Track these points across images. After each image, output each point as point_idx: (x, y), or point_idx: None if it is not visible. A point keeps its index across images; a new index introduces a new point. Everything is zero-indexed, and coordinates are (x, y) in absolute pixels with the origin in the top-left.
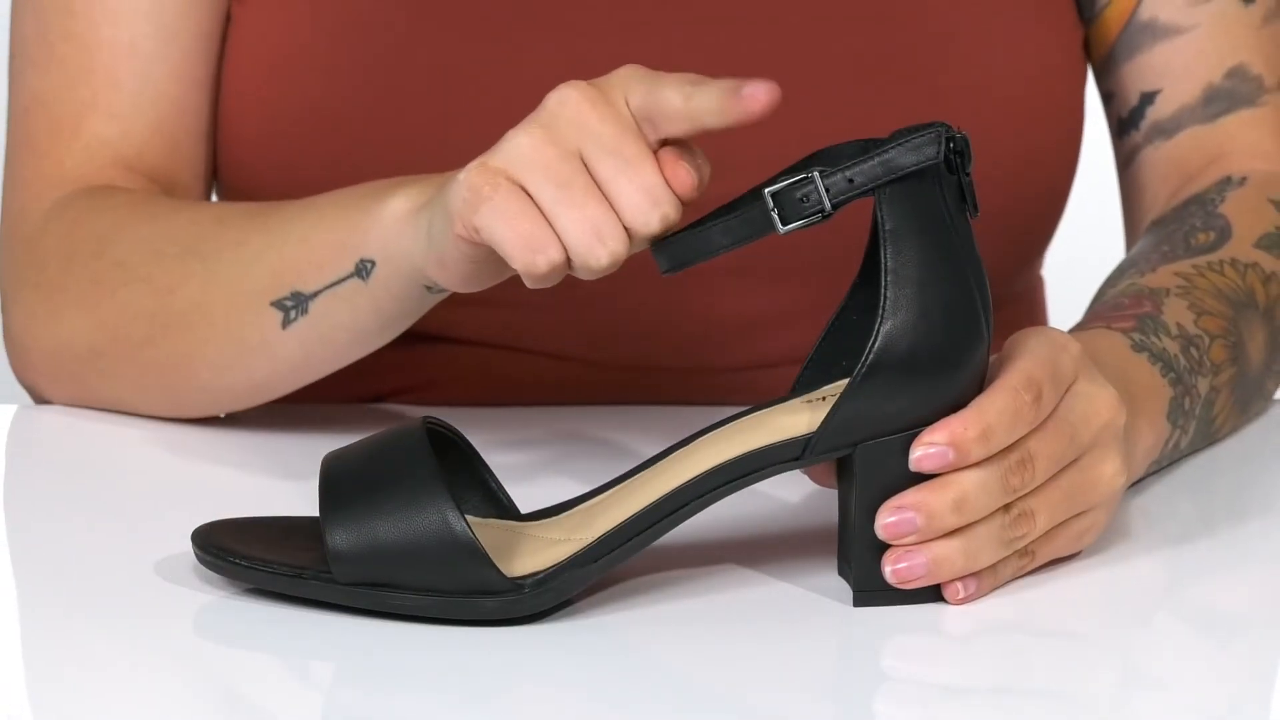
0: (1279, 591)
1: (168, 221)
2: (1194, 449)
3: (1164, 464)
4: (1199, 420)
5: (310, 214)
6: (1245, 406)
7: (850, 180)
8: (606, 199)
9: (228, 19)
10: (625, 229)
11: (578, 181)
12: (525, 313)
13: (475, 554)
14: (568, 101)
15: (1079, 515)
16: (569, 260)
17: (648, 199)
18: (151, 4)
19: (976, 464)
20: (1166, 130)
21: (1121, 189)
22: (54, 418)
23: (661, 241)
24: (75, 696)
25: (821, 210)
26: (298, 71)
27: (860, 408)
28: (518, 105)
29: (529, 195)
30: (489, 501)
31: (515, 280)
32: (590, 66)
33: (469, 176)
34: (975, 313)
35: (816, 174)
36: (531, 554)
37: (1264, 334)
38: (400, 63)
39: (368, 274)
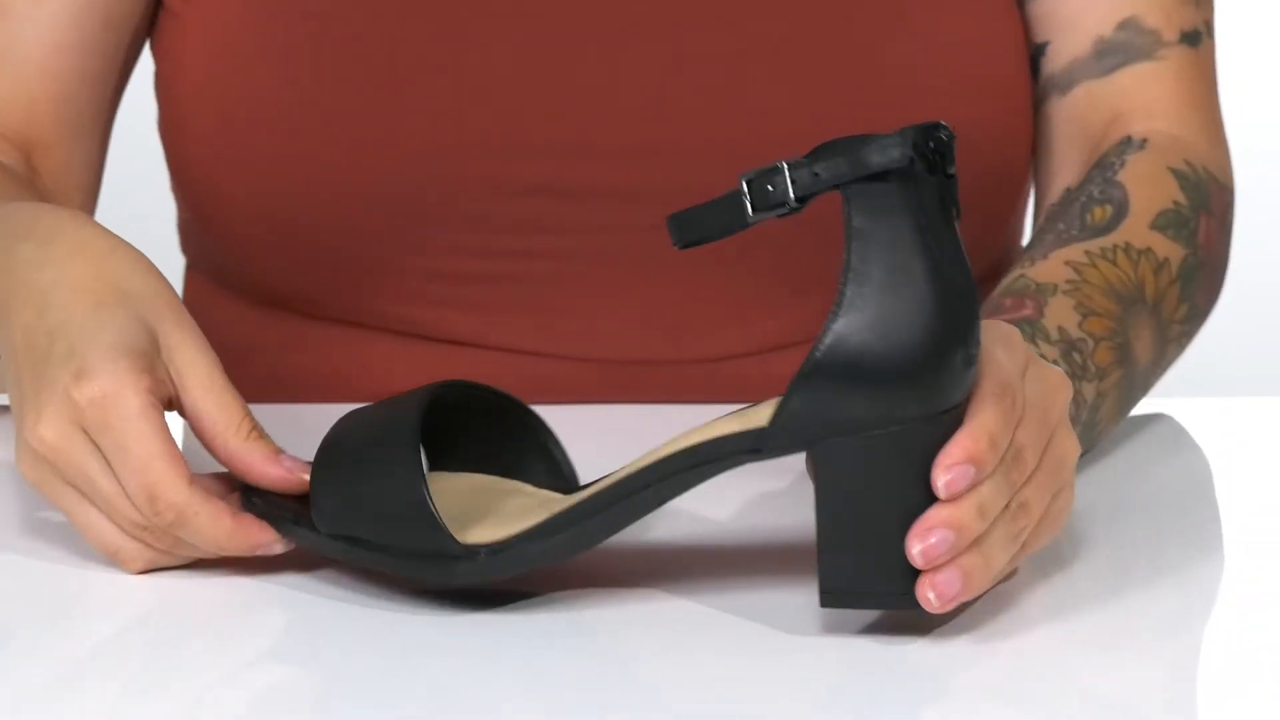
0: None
1: None
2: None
3: None
4: (1084, 426)
5: None
6: (1128, 407)
7: (816, 175)
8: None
9: (158, 6)
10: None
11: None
12: (498, 312)
13: (429, 518)
14: None
15: (1054, 497)
16: None
17: None
18: None
19: None
20: (1060, 85)
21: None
22: None
23: (673, 217)
24: (69, 697)
25: (785, 202)
26: (250, 65)
27: (808, 405)
28: (471, 97)
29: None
30: (551, 473)
31: (490, 282)
32: (545, 57)
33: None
34: (945, 323)
35: (785, 165)
36: (502, 526)
37: (1150, 331)
38: (354, 54)
39: None
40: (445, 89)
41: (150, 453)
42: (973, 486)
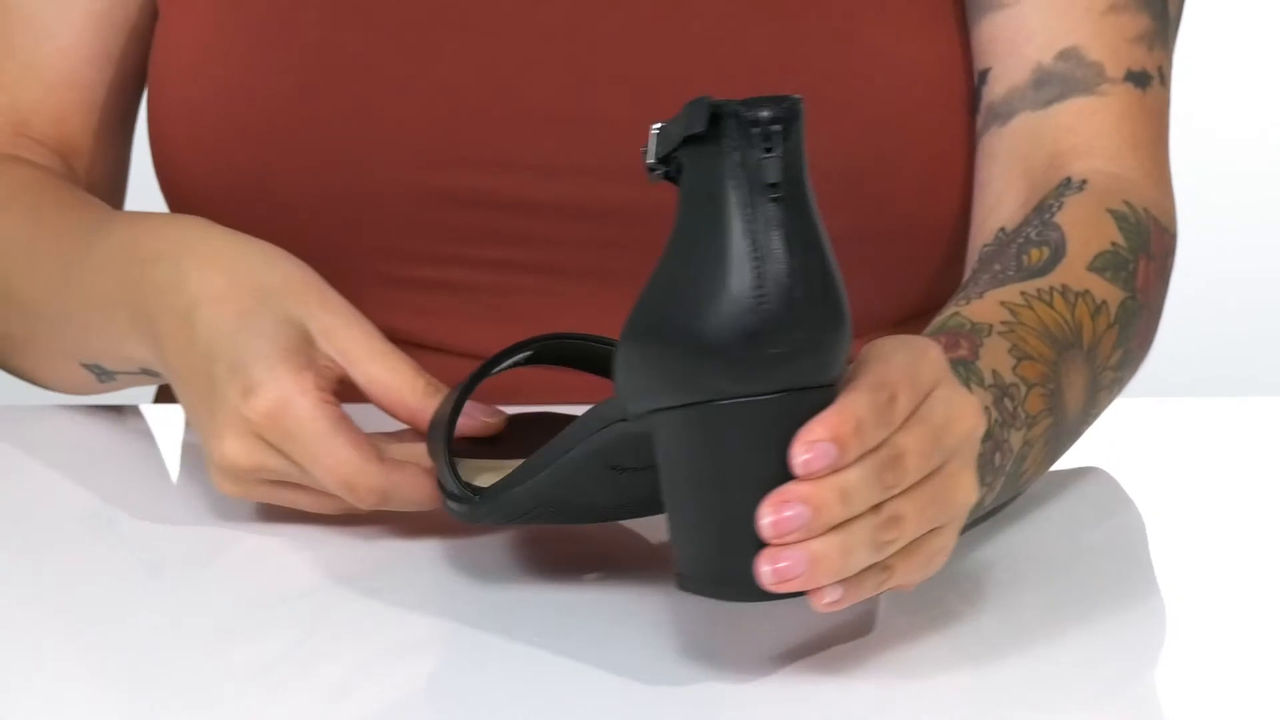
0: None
1: (6, 234)
2: (998, 503)
3: (965, 522)
4: (1008, 476)
5: (90, 309)
6: (1055, 456)
7: (666, 138)
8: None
9: (155, 12)
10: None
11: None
12: (469, 320)
13: (442, 456)
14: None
15: (933, 532)
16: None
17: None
18: None
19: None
20: (1001, 115)
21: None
22: (47, 413)
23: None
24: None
25: (648, 164)
26: (220, 70)
27: (625, 372)
28: (435, 104)
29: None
30: None
31: (462, 290)
32: (508, 66)
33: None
34: (750, 301)
35: (655, 126)
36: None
37: (1084, 378)
38: (320, 61)
39: (154, 372)
40: (412, 98)
41: (335, 448)
42: (835, 470)
